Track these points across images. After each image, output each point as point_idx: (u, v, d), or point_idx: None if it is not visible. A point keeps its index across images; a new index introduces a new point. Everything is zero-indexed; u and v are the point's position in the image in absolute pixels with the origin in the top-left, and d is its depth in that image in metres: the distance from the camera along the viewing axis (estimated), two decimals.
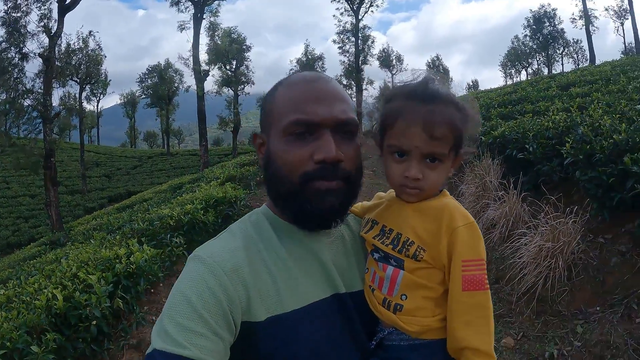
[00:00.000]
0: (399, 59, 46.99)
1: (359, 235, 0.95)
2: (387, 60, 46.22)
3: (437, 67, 52.35)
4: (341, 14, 36.63)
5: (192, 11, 24.25)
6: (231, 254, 0.81)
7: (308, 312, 0.81)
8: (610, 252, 3.60)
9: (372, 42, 38.42)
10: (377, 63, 44.32)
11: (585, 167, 4.07)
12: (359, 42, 37.19)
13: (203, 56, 27.12)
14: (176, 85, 42.10)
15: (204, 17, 24.95)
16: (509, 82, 49.04)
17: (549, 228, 3.84)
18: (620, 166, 3.61)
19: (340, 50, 38.20)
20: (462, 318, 0.76)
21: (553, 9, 45.62)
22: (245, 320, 0.78)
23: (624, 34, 41.29)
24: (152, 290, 4.52)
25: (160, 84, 41.68)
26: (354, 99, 38.02)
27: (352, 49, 37.36)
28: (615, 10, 40.21)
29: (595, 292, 3.39)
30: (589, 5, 36.09)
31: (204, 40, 29.60)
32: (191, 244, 5.54)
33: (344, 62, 39.46)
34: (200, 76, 24.01)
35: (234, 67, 33.22)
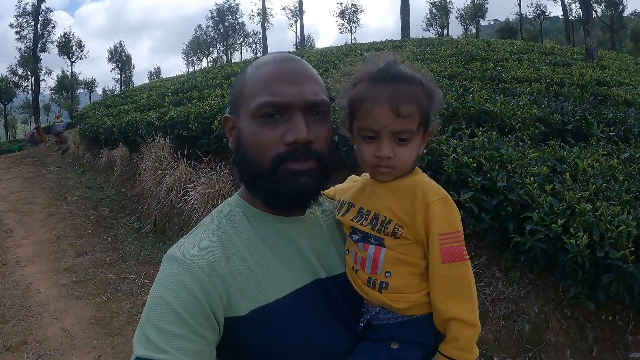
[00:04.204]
0: (80, 45, 43.11)
1: (335, 218, 0.93)
2: (67, 47, 41.65)
3: (119, 55, 50.35)
4: None
5: None
6: (206, 250, 0.79)
7: (292, 300, 0.79)
8: None
9: (53, 27, 34.76)
10: (56, 50, 39.86)
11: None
12: (39, 26, 32.96)
13: None
14: None
15: None
16: (191, 69, 52.83)
17: (208, 180, 5.52)
18: None
19: (17, 36, 33.11)
20: (445, 290, 0.77)
21: (236, 4, 51.67)
22: (228, 316, 0.76)
23: (296, 30, 51.15)
24: None
25: None
26: (32, 92, 32.81)
27: (31, 35, 32.87)
28: (291, 10, 49.55)
29: None
30: (267, 4, 42.94)
31: None
32: None
33: (20, 49, 34.65)
34: None
35: None
